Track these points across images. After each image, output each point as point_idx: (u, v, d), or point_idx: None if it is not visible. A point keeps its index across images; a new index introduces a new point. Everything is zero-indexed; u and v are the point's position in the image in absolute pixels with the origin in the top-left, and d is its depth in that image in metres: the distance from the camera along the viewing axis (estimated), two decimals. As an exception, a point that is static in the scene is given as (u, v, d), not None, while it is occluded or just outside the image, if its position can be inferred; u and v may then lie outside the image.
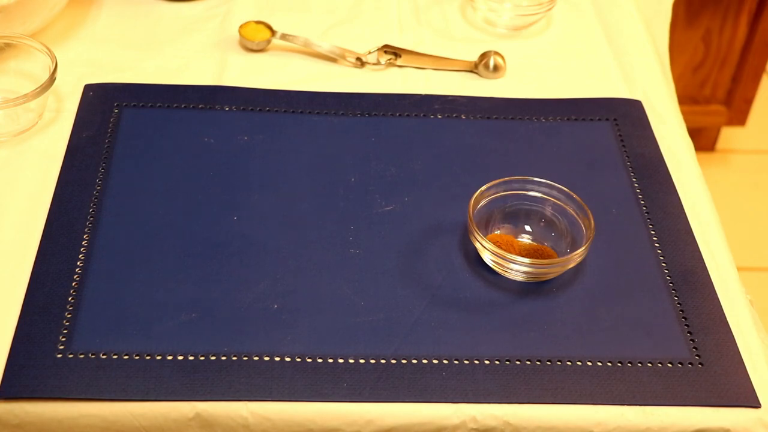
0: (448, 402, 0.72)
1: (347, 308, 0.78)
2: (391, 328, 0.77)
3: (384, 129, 0.95)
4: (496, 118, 0.97)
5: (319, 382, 0.72)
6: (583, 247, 0.79)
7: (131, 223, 0.83)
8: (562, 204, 0.84)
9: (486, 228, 0.84)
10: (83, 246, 0.81)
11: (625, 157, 0.94)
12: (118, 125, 0.93)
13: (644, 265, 0.83)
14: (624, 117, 0.98)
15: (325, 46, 1.04)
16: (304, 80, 1.01)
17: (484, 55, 1.04)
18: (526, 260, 0.79)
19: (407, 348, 0.75)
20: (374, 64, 1.03)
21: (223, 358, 0.73)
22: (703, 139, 2.01)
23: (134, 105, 0.96)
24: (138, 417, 0.71)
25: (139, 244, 0.82)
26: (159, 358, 0.73)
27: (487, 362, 0.75)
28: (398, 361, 0.74)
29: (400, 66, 1.04)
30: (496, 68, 1.03)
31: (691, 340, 0.77)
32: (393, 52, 1.04)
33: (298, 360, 0.74)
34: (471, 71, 1.04)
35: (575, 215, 0.83)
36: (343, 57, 1.03)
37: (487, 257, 0.81)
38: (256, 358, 0.73)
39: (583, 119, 0.98)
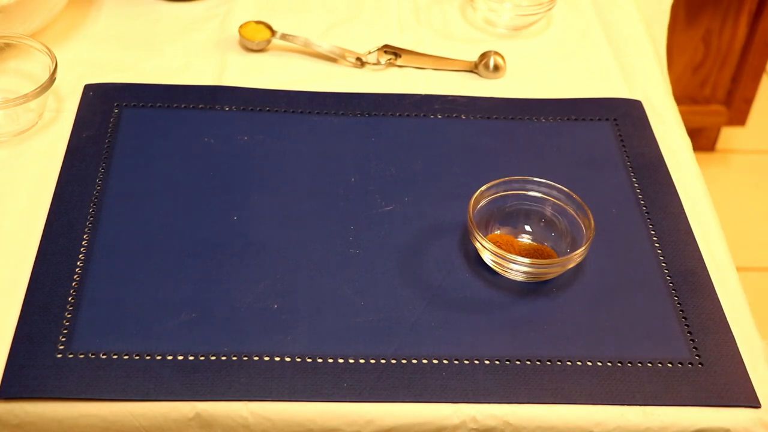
0: (448, 402, 0.72)
1: (347, 308, 0.78)
2: (391, 328, 0.77)
3: (384, 129, 0.95)
4: (496, 118, 0.97)
5: (319, 382, 0.72)
6: (583, 247, 0.79)
7: (131, 223, 0.83)
8: (562, 204, 0.84)
9: (486, 228, 0.84)
10: (83, 246, 0.81)
11: (625, 157, 0.94)
12: (118, 125, 0.93)
13: (644, 265, 0.83)
14: (624, 117, 0.98)
15: (325, 46, 1.04)
16: (304, 80, 1.01)
17: (484, 55, 1.04)
18: (526, 260, 0.79)
19: (407, 348, 0.75)
20: (374, 64, 1.03)
21: (223, 358, 0.73)
22: (703, 139, 2.01)
23: (134, 105, 0.96)
24: (138, 417, 0.71)
25: (139, 243, 0.82)
26: (159, 358, 0.73)
27: (487, 362, 0.75)
28: (398, 361, 0.74)
29: (400, 66, 1.04)
30: (496, 68, 1.03)
31: (691, 340, 0.77)
32: (393, 52, 1.04)
33: (298, 360, 0.74)
34: (471, 71, 1.04)
35: (575, 215, 0.83)
36: (343, 57, 1.03)
37: (487, 257, 0.81)
38: (256, 358, 0.73)
39: (583, 119, 0.98)
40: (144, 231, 0.83)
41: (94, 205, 0.85)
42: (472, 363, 0.74)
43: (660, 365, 0.75)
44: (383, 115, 0.97)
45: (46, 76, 0.91)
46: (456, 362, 0.74)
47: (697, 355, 0.76)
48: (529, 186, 0.85)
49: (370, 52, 1.04)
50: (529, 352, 0.75)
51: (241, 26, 1.05)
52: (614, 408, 0.73)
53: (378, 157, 0.92)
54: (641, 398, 0.73)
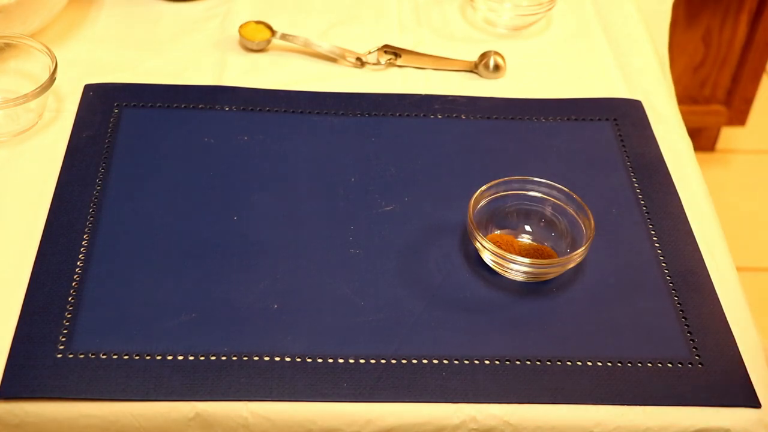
0: (448, 402, 0.72)
1: (347, 308, 0.78)
2: (391, 328, 0.77)
3: (384, 129, 0.95)
4: (496, 118, 0.97)
5: (319, 382, 0.72)
6: (583, 247, 0.79)
7: (131, 223, 0.83)
8: (562, 204, 0.84)
9: (486, 228, 0.84)
10: (83, 246, 0.81)
11: (625, 157, 0.94)
12: (118, 125, 0.93)
13: (644, 265, 0.83)
14: (624, 117, 0.98)
15: (325, 46, 1.04)
16: (304, 80, 1.01)
17: (484, 55, 1.04)
18: (526, 260, 0.79)
19: (407, 348, 0.75)
20: (374, 64, 1.03)
21: (223, 358, 0.73)
22: (703, 139, 2.01)
23: (134, 105, 0.96)
24: (138, 417, 0.71)
25: (139, 244, 0.82)
26: (159, 358, 0.73)
27: (487, 362, 0.75)
28: (398, 361, 0.74)
29: (400, 66, 1.04)
30: (496, 68, 1.03)
31: (691, 340, 0.77)
32: (393, 52, 1.04)
33: (298, 360, 0.74)
34: (471, 71, 1.04)
35: (575, 215, 0.83)
36: (343, 57, 1.03)
37: (487, 257, 0.81)
38: (256, 358, 0.73)
39: (583, 119, 0.98)
40: (144, 231, 0.83)
41: (94, 205, 0.85)
42: (472, 363, 0.74)
43: (660, 365, 0.75)
44: (383, 115, 0.97)
45: (46, 76, 0.91)
46: (456, 362, 0.74)
47: (697, 355, 0.76)
48: (529, 186, 0.85)
49: (370, 52, 1.04)
50: (529, 352, 0.75)
51: (241, 26, 1.05)
52: (614, 408, 0.73)
53: (378, 157, 0.92)
54: (641, 398, 0.73)
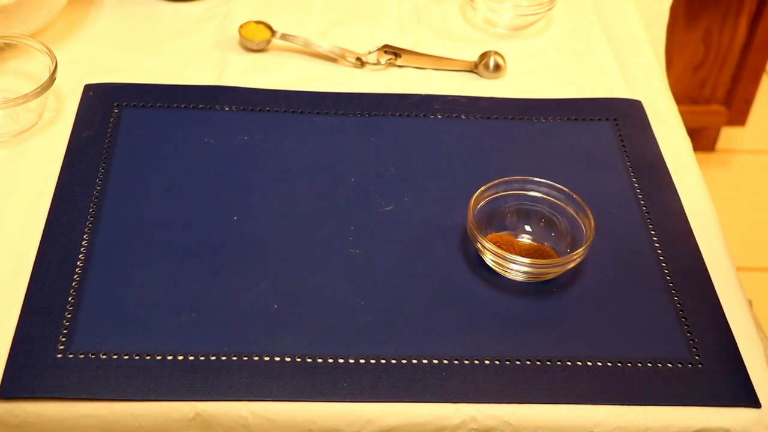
0: (448, 402, 0.72)
1: (347, 308, 0.78)
2: (391, 328, 0.77)
3: (384, 129, 0.95)
4: (496, 118, 0.97)
5: (319, 382, 0.72)
6: (583, 247, 0.79)
7: (131, 223, 0.83)
8: (562, 204, 0.84)
9: (486, 228, 0.83)
10: (83, 246, 0.81)
11: (625, 157, 0.94)
12: (118, 125, 0.93)
13: (644, 265, 0.83)
14: (624, 117, 0.98)
15: (325, 46, 1.04)
16: (304, 80, 1.01)
17: (484, 55, 1.04)
18: (526, 260, 0.79)
19: (407, 348, 0.75)
20: (374, 64, 1.03)
21: (223, 358, 0.73)
22: (703, 139, 2.01)
23: (134, 105, 0.96)
24: (138, 417, 0.71)
25: (139, 244, 0.82)
26: (159, 358, 0.73)
27: (487, 362, 0.75)
28: (398, 361, 0.74)
29: (400, 66, 1.04)
30: (496, 68, 1.03)
31: (691, 340, 0.77)
32: (393, 52, 1.04)
33: (298, 360, 0.74)
34: (471, 71, 1.04)
35: (575, 215, 0.83)
36: (343, 57, 1.03)
37: (487, 257, 0.81)
38: (256, 358, 0.73)
39: (583, 119, 0.98)
40: (144, 231, 0.83)
41: (94, 205, 0.85)
42: (472, 363, 0.74)
43: (660, 365, 0.75)
44: (383, 115, 0.97)
45: (46, 76, 0.91)
46: (456, 362, 0.74)
47: (696, 355, 0.76)
48: (529, 186, 0.85)
49: (370, 52, 1.04)
50: (529, 352, 0.75)
51: (241, 26, 1.05)
52: (614, 408, 0.73)
53: (378, 157, 0.92)
54: (641, 398, 0.73)
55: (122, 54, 1.03)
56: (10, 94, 0.91)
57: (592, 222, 0.81)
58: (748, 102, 1.85)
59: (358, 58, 1.03)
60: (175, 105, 0.96)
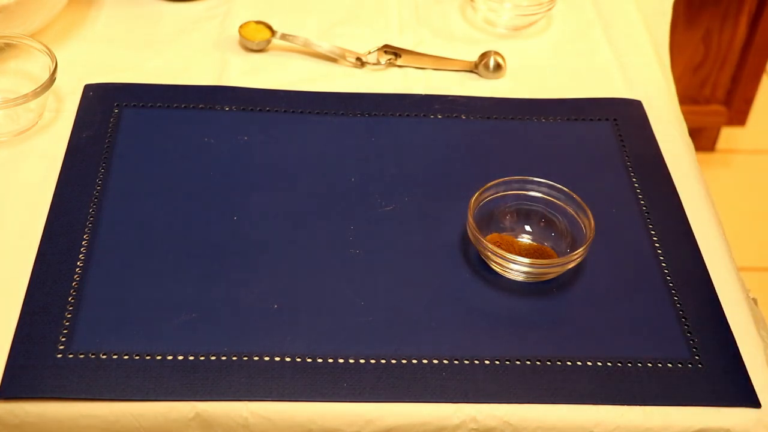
0: (448, 402, 0.72)
1: (347, 308, 0.78)
2: (391, 328, 0.77)
3: (384, 129, 0.95)
4: (496, 118, 0.97)
5: (319, 382, 0.72)
6: (583, 247, 0.79)
7: (131, 223, 0.83)
8: (562, 204, 0.84)
9: (486, 228, 0.83)
10: (83, 246, 0.81)
11: (625, 157, 0.94)
12: (118, 125, 0.93)
13: (644, 265, 0.83)
14: (624, 117, 0.98)
15: (325, 46, 1.04)
16: (304, 80, 1.01)
17: (484, 55, 1.04)
18: (526, 260, 0.79)
19: (407, 348, 0.75)
20: (374, 64, 1.03)
21: (223, 358, 0.73)
22: (703, 139, 2.01)
23: (134, 105, 0.96)
24: (138, 417, 0.71)
25: (139, 244, 0.82)
26: (159, 358, 0.73)
27: (487, 362, 0.75)
28: (398, 361, 0.74)
29: (400, 66, 1.04)
30: (496, 68, 1.03)
31: (691, 340, 0.77)
32: (393, 52, 1.04)
33: (298, 360, 0.74)
34: (471, 71, 1.04)
35: (575, 215, 0.83)
36: (343, 57, 1.03)
37: (487, 257, 0.81)
38: (256, 358, 0.73)
39: (583, 119, 0.98)
40: (144, 231, 0.83)
41: (94, 205, 0.85)
42: (472, 363, 0.74)
43: (660, 365, 0.75)
44: (383, 115, 0.97)
45: (46, 76, 0.91)
46: (456, 362, 0.74)
47: (696, 356, 0.76)
48: (529, 186, 0.85)
49: (370, 52, 1.04)
50: (529, 352, 0.75)
51: (241, 26, 1.05)
52: (614, 408, 0.73)
53: (378, 157, 0.92)
54: (641, 398, 0.73)
55: (122, 54, 1.03)
56: (10, 94, 0.91)
57: (592, 222, 0.81)
58: (748, 102, 1.85)
59: (358, 58, 1.03)
60: (175, 105, 0.96)
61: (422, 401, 0.72)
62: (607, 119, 0.98)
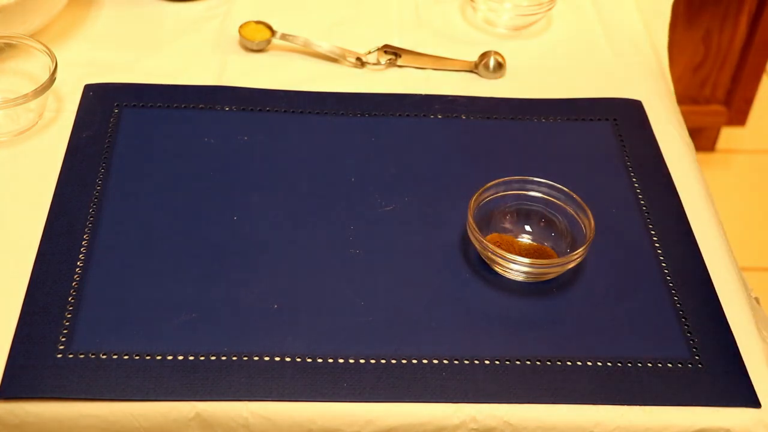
0: (448, 402, 0.72)
1: (347, 308, 0.78)
2: (391, 328, 0.77)
3: (384, 129, 0.95)
4: (496, 118, 0.97)
5: (319, 382, 0.72)
6: (583, 247, 0.79)
7: (131, 223, 0.83)
8: (562, 204, 0.84)
9: (486, 228, 0.83)
10: (83, 246, 0.81)
11: (625, 157, 0.94)
12: (118, 125, 0.93)
13: (644, 265, 0.83)
14: (624, 117, 0.98)
15: (325, 46, 1.04)
16: (304, 80, 1.01)
17: (484, 55, 1.04)
18: (526, 260, 0.79)
19: (407, 348, 0.75)
20: (374, 64, 1.03)
21: (223, 358, 0.73)
22: (703, 139, 2.01)
23: (134, 105, 0.96)
24: (138, 417, 0.71)
25: (139, 244, 0.82)
26: (159, 358, 0.73)
27: (487, 362, 0.75)
28: (398, 361, 0.74)
29: (400, 66, 1.04)
30: (496, 68, 1.03)
31: (691, 340, 0.77)
32: (393, 52, 1.04)
33: (298, 360, 0.74)
34: (471, 71, 1.04)
35: (575, 215, 0.83)
36: (343, 57, 1.03)
37: (488, 257, 0.81)
38: (256, 358, 0.73)
39: (583, 119, 0.98)
40: (144, 231, 0.83)
41: (94, 205, 0.85)
42: (472, 363, 0.74)
43: (660, 365, 0.75)
44: (383, 115, 0.97)
45: (46, 76, 0.91)
46: (456, 362, 0.74)
47: (696, 356, 0.76)
48: (529, 186, 0.85)
49: (370, 52, 1.04)
50: (529, 352, 0.75)
51: (241, 26, 1.05)
52: (614, 408, 0.73)
53: (378, 157, 0.92)
54: (641, 398, 0.73)
55: (122, 54, 1.03)
56: (10, 94, 0.91)
57: (592, 222, 0.81)
58: (748, 102, 1.85)
59: (358, 58, 1.03)
60: (175, 105, 0.96)
61: (422, 401, 0.72)
62: (607, 119, 0.98)
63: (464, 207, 0.82)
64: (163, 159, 0.90)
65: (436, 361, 0.74)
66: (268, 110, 0.96)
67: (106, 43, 1.04)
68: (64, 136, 0.92)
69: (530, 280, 0.81)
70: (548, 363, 0.75)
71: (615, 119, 0.98)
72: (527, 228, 0.85)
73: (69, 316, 0.75)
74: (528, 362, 0.75)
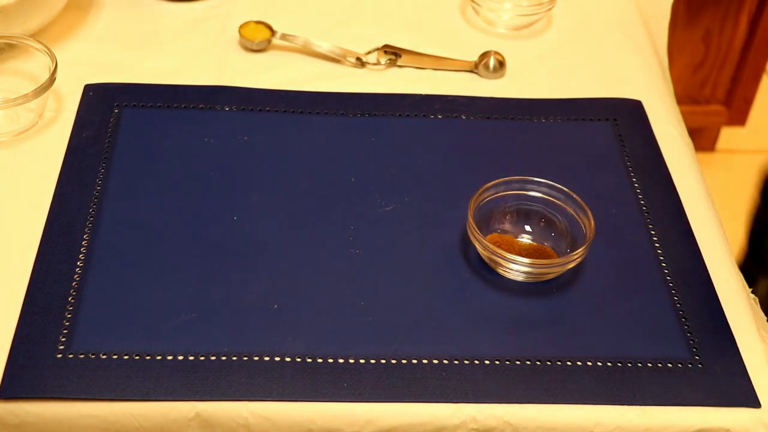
0: (448, 402, 0.72)
1: (347, 308, 0.78)
2: (391, 328, 0.77)
3: (384, 129, 0.95)
4: (496, 118, 0.97)
5: (319, 382, 0.72)
6: (583, 247, 0.79)
7: (131, 223, 0.83)
8: (562, 204, 0.84)
9: (486, 228, 0.83)
10: (83, 246, 0.81)
11: (625, 157, 0.94)
12: (118, 125, 0.93)
13: (644, 265, 0.83)
14: (624, 117, 0.98)
15: (325, 46, 1.04)
16: (304, 80, 1.01)
17: (484, 55, 1.04)
18: (526, 260, 0.79)
19: (407, 348, 0.75)
20: (374, 64, 1.03)
21: (223, 358, 0.73)
22: (703, 139, 2.01)
23: (134, 105, 0.96)
24: (138, 417, 0.71)
25: (139, 244, 0.82)
26: (159, 358, 0.73)
27: (487, 362, 0.75)
28: (398, 361, 0.74)
29: (400, 66, 1.04)
30: (496, 68, 1.03)
31: (691, 340, 0.77)
32: (393, 52, 1.04)
33: (298, 360, 0.74)
34: (471, 71, 1.04)
35: (575, 215, 0.83)
36: (343, 57, 1.03)
37: (488, 257, 0.81)
38: (256, 358, 0.73)
39: (583, 119, 0.98)
40: (144, 231, 0.83)
41: (94, 205, 0.85)
42: (472, 363, 0.74)
43: (660, 365, 0.75)
44: (383, 115, 0.97)
45: (46, 76, 0.91)
46: (456, 362, 0.74)
47: (696, 356, 0.76)
48: (529, 186, 0.85)
49: (370, 52, 1.04)
50: (529, 352, 0.75)
51: (241, 26, 1.05)
52: (614, 408, 0.73)
53: (378, 157, 0.92)
54: (641, 398, 0.73)
55: (122, 54, 1.03)
56: (10, 94, 0.91)
57: (592, 222, 0.81)
58: (748, 102, 1.85)
59: (358, 58, 1.03)
60: (175, 105, 0.96)
61: (422, 401, 0.72)
62: (606, 119, 0.98)
63: (464, 207, 0.82)
64: (163, 159, 0.90)
65: (436, 361, 0.74)
66: (268, 110, 0.96)
67: (106, 43, 1.04)
68: (64, 136, 0.92)
69: (530, 280, 0.81)
70: (548, 363, 0.75)
71: (615, 119, 0.98)
72: (527, 228, 0.85)
73: (69, 316, 0.75)
74: (528, 362, 0.75)
